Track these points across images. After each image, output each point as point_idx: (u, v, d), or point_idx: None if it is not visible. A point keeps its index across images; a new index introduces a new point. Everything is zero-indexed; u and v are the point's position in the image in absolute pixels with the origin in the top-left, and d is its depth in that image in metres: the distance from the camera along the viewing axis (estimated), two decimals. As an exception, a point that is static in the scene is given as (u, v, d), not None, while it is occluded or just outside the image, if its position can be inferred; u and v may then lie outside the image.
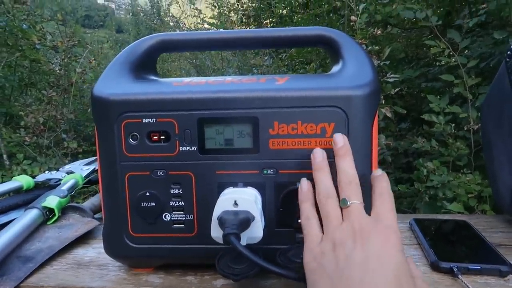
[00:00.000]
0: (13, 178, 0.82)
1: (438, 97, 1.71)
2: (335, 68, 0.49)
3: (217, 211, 0.41)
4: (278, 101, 0.43)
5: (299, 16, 3.41)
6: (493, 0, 1.66)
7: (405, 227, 0.62)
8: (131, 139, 0.45)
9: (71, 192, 0.74)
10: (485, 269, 0.46)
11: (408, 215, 0.67)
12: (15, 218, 0.69)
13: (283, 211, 0.45)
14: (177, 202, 0.46)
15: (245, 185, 0.44)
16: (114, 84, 0.47)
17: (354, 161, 0.43)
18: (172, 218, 0.46)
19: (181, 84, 0.47)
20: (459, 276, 0.45)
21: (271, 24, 3.39)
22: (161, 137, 0.45)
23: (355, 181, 0.39)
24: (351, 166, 0.40)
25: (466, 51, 1.89)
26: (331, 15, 2.84)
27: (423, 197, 1.62)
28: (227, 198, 0.41)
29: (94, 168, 0.89)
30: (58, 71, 2.76)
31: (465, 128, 1.66)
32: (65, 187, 0.74)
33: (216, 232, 0.41)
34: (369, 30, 1.87)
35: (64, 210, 0.68)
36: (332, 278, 0.32)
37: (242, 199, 0.41)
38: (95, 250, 0.58)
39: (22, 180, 0.79)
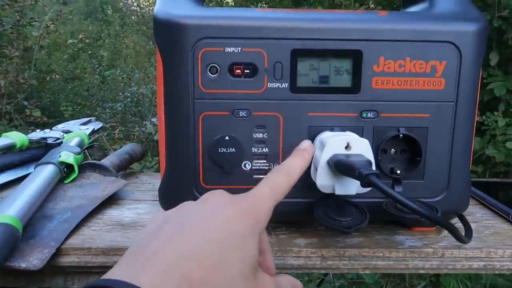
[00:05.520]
0: (3, 134, 0.71)
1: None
2: (417, 8, 0.45)
3: (326, 154, 0.35)
4: (387, 33, 0.38)
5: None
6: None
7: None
8: (209, 72, 0.38)
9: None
10: None
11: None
12: (19, 177, 0.59)
13: (382, 160, 0.40)
14: (260, 149, 0.40)
15: (342, 129, 0.39)
16: (182, 7, 0.39)
17: (461, 103, 0.39)
18: (253, 167, 0.40)
19: (267, 11, 0.40)
20: (553, 230, 0.43)
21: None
22: (246, 70, 0.38)
23: (287, 175, 0.31)
24: (298, 166, 0.32)
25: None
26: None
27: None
28: (339, 139, 0.35)
29: (94, 128, 0.79)
30: (10, 34, 2.49)
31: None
32: (73, 143, 0.64)
33: (324, 179, 0.35)
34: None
35: (80, 168, 0.59)
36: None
37: (356, 140, 0.35)
38: (131, 212, 0.50)
39: (15, 138, 0.68)
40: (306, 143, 0.37)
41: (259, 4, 2.90)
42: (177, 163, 0.40)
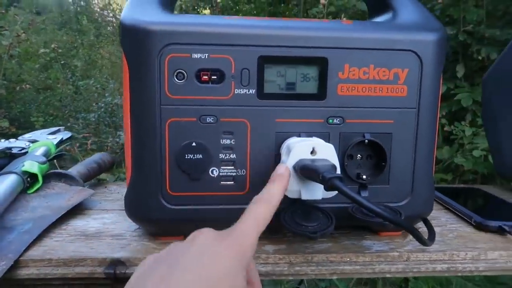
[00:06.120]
0: (-35, 144, 0.68)
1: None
2: (382, 18, 0.46)
3: (292, 159, 0.35)
4: (352, 41, 0.39)
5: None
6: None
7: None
8: (176, 78, 0.38)
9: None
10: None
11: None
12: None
13: (348, 165, 0.40)
14: (227, 155, 0.39)
15: (309, 135, 0.39)
16: (149, 13, 0.39)
17: (423, 109, 0.41)
18: (221, 174, 0.40)
19: (234, 18, 0.40)
20: (513, 233, 0.44)
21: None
22: (213, 76, 0.38)
23: (268, 204, 0.31)
24: (277, 193, 0.32)
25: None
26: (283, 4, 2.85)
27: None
28: (305, 144, 0.35)
29: (62, 138, 0.77)
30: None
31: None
32: (39, 153, 0.62)
33: (291, 184, 0.35)
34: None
35: (45, 178, 0.57)
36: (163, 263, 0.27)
37: (321, 145, 0.36)
38: (97, 221, 0.48)
39: (-22, 147, 0.65)
40: (282, 168, 0.35)
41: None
42: (143, 170, 0.39)
